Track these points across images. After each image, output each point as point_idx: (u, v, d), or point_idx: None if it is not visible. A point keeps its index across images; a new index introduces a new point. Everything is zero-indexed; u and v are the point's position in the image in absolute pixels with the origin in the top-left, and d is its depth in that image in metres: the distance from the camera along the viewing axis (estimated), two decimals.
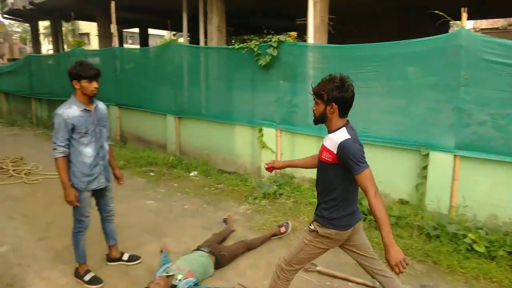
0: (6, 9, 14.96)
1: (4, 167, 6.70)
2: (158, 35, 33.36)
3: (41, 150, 8.21)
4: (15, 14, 15.44)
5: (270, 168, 2.85)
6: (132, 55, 8.94)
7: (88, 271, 3.27)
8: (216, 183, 5.96)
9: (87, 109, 3.10)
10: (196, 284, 3.04)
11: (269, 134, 5.83)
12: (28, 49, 31.63)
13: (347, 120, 2.34)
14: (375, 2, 10.03)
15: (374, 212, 2.09)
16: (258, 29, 16.42)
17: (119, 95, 8.39)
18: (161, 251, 3.73)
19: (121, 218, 4.51)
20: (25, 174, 6.38)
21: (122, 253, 3.61)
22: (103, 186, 3.27)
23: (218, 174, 6.34)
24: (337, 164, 2.23)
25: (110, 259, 3.57)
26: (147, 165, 6.94)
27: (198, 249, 3.51)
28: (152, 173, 6.56)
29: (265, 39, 5.59)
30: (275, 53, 5.41)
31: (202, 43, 9.03)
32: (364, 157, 2.19)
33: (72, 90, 3.13)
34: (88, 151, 3.10)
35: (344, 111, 2.28)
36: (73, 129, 3.01)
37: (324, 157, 2.31)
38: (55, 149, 3.00)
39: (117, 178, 3.52)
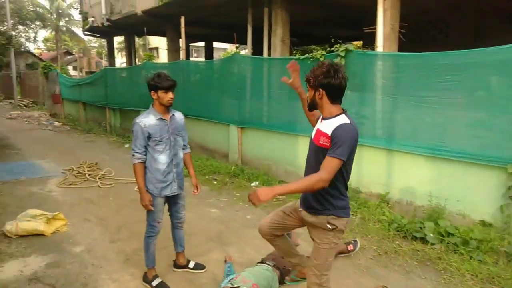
0: (87, 26, 16.34)
1: (81, 171, 7.20)
2: (221, 48, 34.40)
3: (114, 157, 8.75)
4: (94, 30, 16.81)
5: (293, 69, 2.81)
6: (198, 67, 9.26)
7: (156, 276, 3.33)
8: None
9: (163, 118, 3.22)
10: None
11: None
12: (104, 62, 34.28)
13: (343, 109, 2.33)
14: (448, 7, 9.44)
15: (306, 179, 2.15)
16: (320, 39, 16.30)
17: (186, 106, 8.66)
18: (225, 260, 3.71)
19: (186, 225, 4.57)
20: (99, 178, 6.79)
21: (189, 261, 3.65)
22: (175, 193, 3.34)
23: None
24: None
25: (176, 265, 3.62)
26: (210, 174, 7.07)
27: (262, 262, 3.44)
28: (214, 182, 6.65)
29: (331, 49, 5.45)
30: (342, 62, 5.25)
31: (265, 55, 9.09)
32: (347, 152, 2.16)
33: (146, 100, 3.27)
34: (162, 158, 3.20)
35: (334, 97, 2.28)
36: (149, 137, 3.15)
37: (322, 142, 2.26)
38: (133, 155, 3.17)
39: (194, 186, 3.53)
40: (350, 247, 3.87)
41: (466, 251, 3.77)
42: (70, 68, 34.11)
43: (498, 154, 3.99)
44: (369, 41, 6.12)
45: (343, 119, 2.23)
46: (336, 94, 2.27)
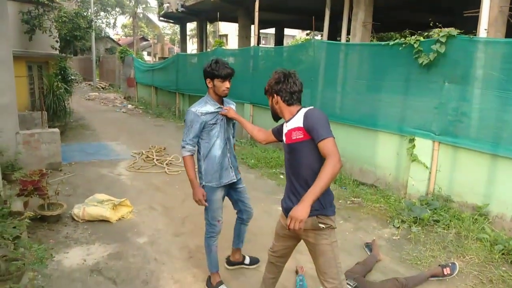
0: (162, 12, 16.70)
1: (150, 156, 7.19)
2: (289, 35, 33.70)
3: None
4: (168, 16, 17.15)
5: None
6: (270, 54, 8.82)
7: (220, 283, 3.00)
8: (353, 196, 5.31)
9: (220, 106, 2.94)
10: None
11: (423, 145, 4.91)
12: (176, 49, 35.33)
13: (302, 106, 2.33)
14: None
15: (324, 171, 1.96)
16: (402, 25, 15.00)
17: (254, 94, 8.34)
18: (297, 271, 3.28)
19: (252, 222, 4.17)
20: (167, 164, 6.70)
21: (244, 256, 3.43)
22: (234, 180, 3.04)
23: (354, 186, 5.68)
24: (312, 140, 2.14)
25: (230, 262, 3.36)
26: (277, 167, 6.67)
27: None
28: (282, 176, 6.24)
29: (430, 33, 4.70)
30: (442, 49, 4.49)
31: (343, 40, 8.40)
32: (330, 128, 2.11)
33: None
34: (217, 143, 2.93)
35: (289, 100, 2.31)
36: (204, 126, 2.86)
37: (295, 137, 2.20)
38: (183, 147, 2.89)
39: None
40: (447, 271, 3.23)
41: None
42: (144, 53, 35.60)
43: None
44: (464, 27, 5.20)
45: (305, 109, 2.24)
46: (290, 97, 2.31)
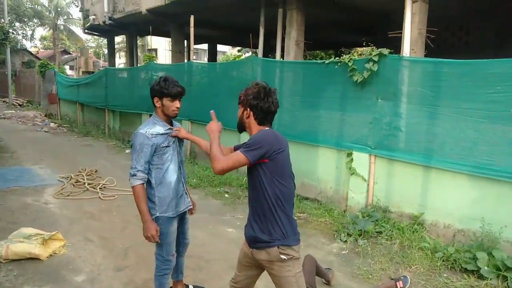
0: (87, 25, 15.79)
1: (80, 180, 6.61)
2: (220, 51, 33.89)
3: (114, 163, 8.17)
4: (95, 29, 16.25)
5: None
6: (207, 70, 8.72)
7: None
8: (298, 212, 5.35)
9: (170, 128, 2.76)
10: None
11: (361, 159, 5.13)
12: (102, 62, 33.61)
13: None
14: (474, 13, 9.02)
15: (214, 152, 2.07)
16: (329, 45, 15.88)
17: (192, 110, 8.15)
18: None
19: (202, 248, 4.08)
20: (100, 188, 6.20)
21: (187, 286, 3.21)
22: (190, 206, 2.90)
23: (297, 201, 5.73)
24: (269, 163, 2.07)
25: None
26: (221, 185, 6.53)
27: None
28: (227, 195, 6.11)
29: (360, 53, 4.97)
30: (375, 68, 4.76)
31: (278, 58, 8.60)
32: (258, 152, 2.02)
33: (149, 103, 2.81)
34: (171, 168, 2.71)
35: (261, 120, 2.20)
36: (156, 150, 2.63)
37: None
38: (134, 175, 2.57)
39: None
40: (400, 284, 3.33)
41: None
42: (66, 67, 33.37)
43: None
44: (385, 47, 5.61)
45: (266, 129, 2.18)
46: (263, 117, 2.20)
